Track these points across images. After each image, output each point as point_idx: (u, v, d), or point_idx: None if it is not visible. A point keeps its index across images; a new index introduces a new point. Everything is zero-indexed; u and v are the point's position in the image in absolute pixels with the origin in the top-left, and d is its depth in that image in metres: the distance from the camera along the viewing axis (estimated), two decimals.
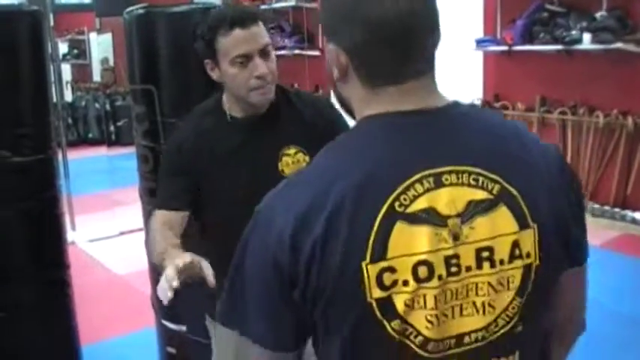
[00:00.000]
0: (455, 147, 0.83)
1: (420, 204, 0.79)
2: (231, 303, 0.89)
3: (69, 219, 4.94)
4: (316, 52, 7.53)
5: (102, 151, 9.54)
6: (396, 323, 0.80)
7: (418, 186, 0.80)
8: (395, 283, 0.79)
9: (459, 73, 6.58)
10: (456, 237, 0.80)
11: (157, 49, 2.04)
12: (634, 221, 5.10)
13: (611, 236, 4.86)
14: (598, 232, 4.95)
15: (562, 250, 0.89)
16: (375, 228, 0.78)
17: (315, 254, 0.79)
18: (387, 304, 0.79)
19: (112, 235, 5.29)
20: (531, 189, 0.84)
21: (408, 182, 0.80)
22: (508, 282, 0.83)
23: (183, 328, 2.18)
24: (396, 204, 0.79)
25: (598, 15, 5.01)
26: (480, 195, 0.82)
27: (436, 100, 0.88)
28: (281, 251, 0.80)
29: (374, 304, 0.79)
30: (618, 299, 3.66)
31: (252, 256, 0.85)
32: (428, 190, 0.80)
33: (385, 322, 0.80)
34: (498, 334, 0.84)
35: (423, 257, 0.79)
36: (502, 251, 0.82)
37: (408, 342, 0.81)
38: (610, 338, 3.22)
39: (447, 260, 0.80)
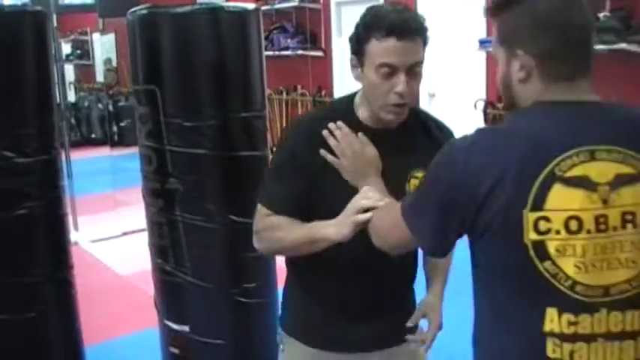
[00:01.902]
0: (607, 131, 1.04)
1: (576, 171, 0.99)
2: (413, 205, 1.14)
3: (72, 219, 4.95)
4: (319, 53, 7.53)
5: (105, 151, 9.55)
6: (548, 264, 0.99)
7: (575, 158, 1.00)
8: (549, 230, 0.99)
9: (463, 73, 6.58)
10: (604, 201, 0.99)
11: (161, 49, 2.03)
12: None
13: None
14: None
15: None
16: (537, 184, 0.99)
17: (488, 195, 1.00)
18: (540, 247, 0.99)
19: (115, 235, 5.30)
20: None
21: (567, 153, 1.00)
22: None
23: (186, 328, 2.18)
24: (556, 169, 0.99)
25: (601, 15, 5.00)
26: (627, 170, 1.01)
27: (592, 96, 1.10)
28: (463, 188, 1.03)
29: (529, 245, 0.99)
30: None
31: (439, 184, 1.08)
32: (583, 162, 1.00)
33: (537, 262, 0.99)
34: (639, 289, 1.01)
35: (574, 213, 0.99)
36: None
37: (556, 283, 0.99)
38: None
39: (597, 219, 0.99)
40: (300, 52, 7.42)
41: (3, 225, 2.23)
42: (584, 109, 1.07)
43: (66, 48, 11.76)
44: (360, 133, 1.38)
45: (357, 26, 1.39)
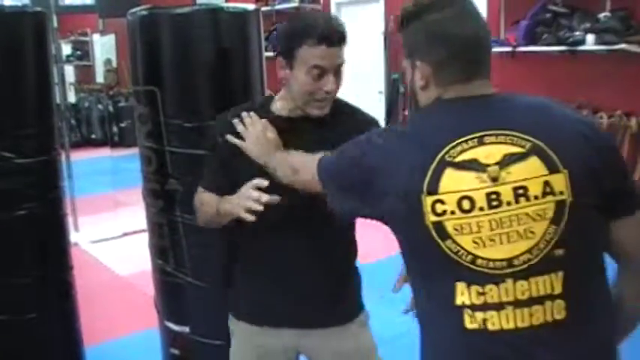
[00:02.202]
0: (495, 118, 1.13)
1: (465, 156, 1.08)
2: (327, 167, 1.29)
3: (72, 220, 4.95)
4: None
5: (105, 152, 9.55)
6: (449, 242, 1.08)
7: (464, 144, 1.09)
8: (445, 212, 1.08)
9: None
10: (494, 179, 1.07)
11: (160, 50, 2.03)
12: None
13: None
14: None
15: (597, 195, 1.11)
16: (430, 171, 1.08)
17: (380, 188, 1.13)
18: (440, 228, 1.08)
19: (115, 236, 5.30)
20: (560, 144, 1.09)
21: (457, 141, 1.09)
22: (544, 213, 1.07)
23: (187, 329, 2.18)
24: (446, 156, 1.08)
25: (602, 16, 5.00)
26: (514, 150, 1.08)
27: (487, 90, 1.19)
28: (359, 180, 1.18)
29: (430, 226, 1.08)
30: None
31: (345, 162, 1.25)
32: (472, 147, 1.09)
33: (440, 241, 1.08)
34: (541, 255, 1.07)
35: (465, 193, 1.07)
36: (535, 189, 1.07)
37: (459, 259, 1.08)
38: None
39: (488, 196, 1.07)
40: None
41: (3, 225, 2.23)
42: (476, 101, 1.16)
43: (66, 49, 11.76)
44: (264, 120, 1.57)
45: (287, 32, 1.56)
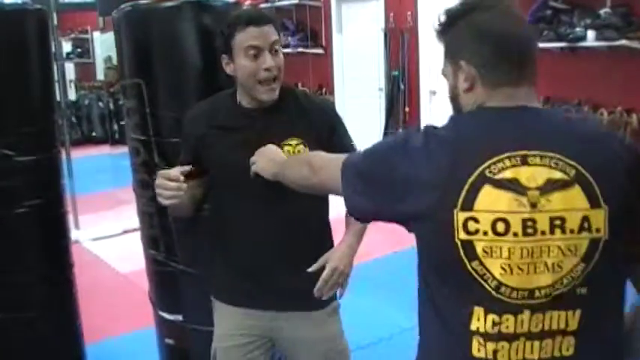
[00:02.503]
0: (541, 136, 1.06)
1: (506, 174, 1.02)
2: (353, 166, 1.21)
3: (72, 218, 4.95)
4: (320, 51, 7.53)
5: (105, 149, 9.55)
6: (475, 264, 1.02)
7: (507, 161, 1.03)
8: (477, 231, 1.02)
9: None
10: (533, 205, 1.01)
11: (147, 43, 2.05)
12: None
13: None
14: None
15: (633, 228, 1.06)
16: (468, 185, 1.02)
17: (412, 193, 1.07)
18: (469, 247, 1.02)
19: (116, 233, 5.30)
20: (603, 175, 1.03)
21: (499, 157, 1.03)
22: (576, 249, 1.02)
23: (180, 317, 2.19)
24: (487, 171, 1.03)
25: (602, 12, 4.99)
26: (558, 175, 1.02)
27: (533, 102, 1.13)
28: (392, 182, 1.11)
29: (459, 244, 1.03)
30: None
31: (376, 163, 1.17)
32: (514, 166, 1.03)
33: (466, 261, 1.03)
34: (563, 291, 1.03)
35: (501, 215, 1.01)
36: (573, 222, 1.02)
37: (484, 283, 1.03)
38: None
39: (524, 222, 1.01)
40: (300, 49, 7.42)
41: (3, 223, 2.23)
42: (520, 114, 1.10)
43: (66, 46, 11.76)
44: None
45: (221, 30, 1.66)
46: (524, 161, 1.03)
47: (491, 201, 1.02)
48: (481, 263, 1.03)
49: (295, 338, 1.76)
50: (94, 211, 5.66)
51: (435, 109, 7.01)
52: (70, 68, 11.64)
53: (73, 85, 11.80)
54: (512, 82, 1.11)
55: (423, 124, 6.16)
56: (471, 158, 1.04)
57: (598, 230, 1.02)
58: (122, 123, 9.89)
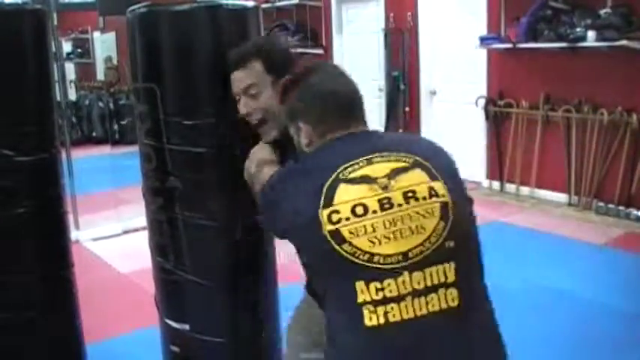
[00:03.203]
0: (379, 144, 1.33)
1: (357, 174, 1.25)
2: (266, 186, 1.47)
3: (73, 218, 4.96)
4: (320, 51, 7.53)
5: (106, 149, 9.55)
6: (345, 246, 1.20)
7: (356, 165, 1.27)
8: (340, 220, 1.21)
9: (464, 71, 6.57)
10: (384, 187, 1.23)
11: (160, 47, 2.03)
12: (639, 219, 5.08)
13: (616, 234, 4.85)
14: (603, 230, 4.94)
15: (464, 199, 1.32)
16: (325, 189, 1.24)
17: (292, 215, 1.29)
18: (336, 234, 1.21)
19: (116, 233, 5.31)
20: (434, 161, 1.31)
21: (349, 163, 1.27)
22: (432, 211, 1.23)
23: (187, 326, 2.18)
24: (340, 175, 1.25)
25: (602, 12, 5.00)
26: (400, 165, 1.27)
27: (364, 128, 1.40)
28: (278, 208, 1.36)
29: (327, 235, 1.21)
30: (623, 297, 3.65)
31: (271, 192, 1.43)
32: (362, 167, 1.26)
33: (337, 246, 1.20)
34: (433, 248, 1.20)
35: (358, 201, 1.22)
36: (422, 192, 1.24)
37: (356, 259, 1.19)
38: (615, 336, 3.21)
39: (380, 201, 1.22)
40: (300, 49, 7.42)
41: (3, 223, 2.23)
42: (359, 135, 1.37)
43: (66, 46, 11.76)
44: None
45: None
46: (370, 162, 1.27)
47: (347, 194, 1.23)
48: (350, 244, 1.19)
49: None
50: (94, 211, 5.66)
51: (435, 109, 7.01)
52: (70, 68, 11.64)
53: (73, 86, 11.80)
54: (342, 128, 1.36)
55: (423, 125, 6.18)
56: (324, 172, 1.27)
57: (443, 196, 1.25)
58: (122, 123, 9.90)
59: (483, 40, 5.96)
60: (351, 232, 1.20)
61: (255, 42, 1.75)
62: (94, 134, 10.38)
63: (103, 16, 10.70)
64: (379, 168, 1.25)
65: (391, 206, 1.21)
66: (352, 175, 1.24)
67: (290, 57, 1.75)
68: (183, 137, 2.02)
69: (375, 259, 1.18)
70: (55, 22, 5.39)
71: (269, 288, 2.26)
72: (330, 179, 1.25)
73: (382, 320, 1.16)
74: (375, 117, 7.14)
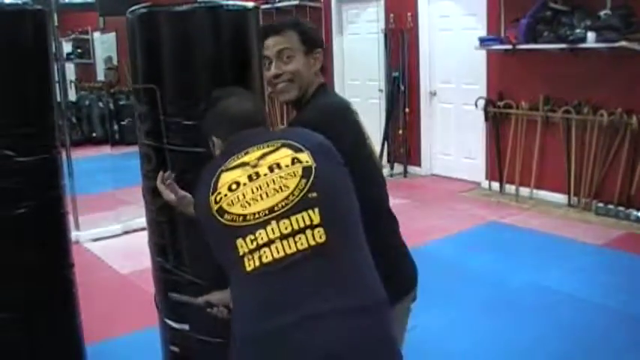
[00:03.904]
0: (257, 138, 1.56)
1: (234, 163, 1.50)
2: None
3: (73, 218, 4.96)
4: None
5: (106, 150, 9.55)
6: (226, 216, 1.42)
7: (235, 157, 1.52)
8: (220, 198, 1.45)
9: (463, 72, 6.57)
10: (254, 166, 1.46)
11: (160, 48, 2.03)
12: (638, 220, 5.08)
13: (616, 235, 4.85)
14: (602, 230, 4.94)
15: (334, 162, 1.52)
16: (213, 180, 1.50)
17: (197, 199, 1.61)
18: (220, 210, 1.44)
19: (116, 234, 5.31)
20: (302, 138, 1.53)
21: (230, 158, 1.52)
22: (294, 173, 1.43)
23: (186, 327, 2.18)
24: (223, 167, 1.51)
25: (602, 13, 5.00)
26: (269, 149, 1.50)
27: (261, 132, 1.64)
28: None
29: (215, 213, 1.44)
30: (622, 298, 3.65)
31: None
32: (240, 157, 1.51)
33: (220, 218, 1.42)
34: (297, 200, 1.38)
35: (233, 180, 1.46)
36: (285, 162, 1.45)
37: (234, 223, 1.40)
38: (615, 337, 3.21)
39: (249, 176, 1.45)
40: None
41: (3, 223, 2.23)
42: (243, 134, 1.61)
43: (67, 47, 11.75)
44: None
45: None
46: (246, 152, 1.51)
47: (226, 178, 1.47)
48: (229, 213, 1.41)
49: None
50: (94, 211, 5.66)
51: (435, 110, 7.01)
52: (70, 69, 11.64)
53: (73, 86, 11.80)
54: (237, 133, 1.63)
55: (423, 125, 6.18)
56: (216, 168, 1.52)
57: (307, 162, 1.44)
58: (122, 123, 9.90)
59: (483, 41, 5.97)
60: (228, 204, 1.42)
61: (291, 18, 1.91)
62: (94, 135, 10.39)
63: (103, 16, 10.70)
64: (253, 155, 1.49)
65: (258, 176, 1.44)
66: (231, 165, 1.50)
67: (320, 37, 1.93)
68: (183, 138, 2.03)
69: (248, 217, 1.38)
70: (56, 23, 5.39)
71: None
72: (217, 173, 1.50)
73: (257, 263, 1.33)
74: (375, 118, 7.15)
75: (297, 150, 1.47)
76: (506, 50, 5.76)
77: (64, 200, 2.50)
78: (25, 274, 2.30)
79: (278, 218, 1.36)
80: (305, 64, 1.78)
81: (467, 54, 6.30)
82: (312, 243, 1.34)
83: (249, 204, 1.40)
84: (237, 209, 1.40)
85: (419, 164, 7.18)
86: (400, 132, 7.15)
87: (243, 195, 1.41)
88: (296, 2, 7.59)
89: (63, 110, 5.55)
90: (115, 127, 10.05)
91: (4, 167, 2.19)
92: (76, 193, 5.21)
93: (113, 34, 11.24)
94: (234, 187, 1.44)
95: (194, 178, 2.04)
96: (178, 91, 2.04)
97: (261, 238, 1.35)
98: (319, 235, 1.35)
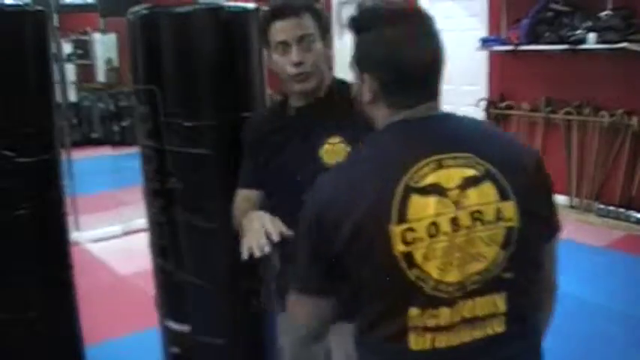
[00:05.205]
0: (449, 138, 1.15)
1: (428, 180, 1.09)
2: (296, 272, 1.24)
3: (73, 219, 4.95)
4: None
5: (106, 151, 9.55)
6: (415, 270, 1.07)
7: (425, 168, 1.09)
8: (414, 240, 1.07)
9: (464, 72, 6.57)
10: (455, 203, 1.09)
11: (161, 49, 2.03)
12: (639, 222, 5.08)
13: (617, 236, 4.84)
14: (603, 232, 4.94)
15: (538, 222, 1.18)
16: (397, 199, 1.07)
17: (345, 218, 1.09)
18: (408, 256, 1.07)
19: (116, 235, 5.30)
20: (509, 172, 1.13)
21: (418, 165, 1.09)
22: (495, 238, 1.11)
23: (187, 328, 2.18)
24: (410, 182, 1.08)
25: (603, 14, 5.00)
26: (471, 173, 1.11)
27: (434, 112, 1.19)
28: (324, 215, 1.13)
29: (398, 256, 1.07)
30: (623, 299, 3.65)
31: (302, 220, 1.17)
32: (433, 171, 1.09)
33: (406, 270, 1.07)
34: (490, 277, 1.11)
35: (432, 219, 1.07)
36: (489, 214, 1.11)
37: (423, 285, 1.08)
38: (616, 338, 3.21)
39: (451, 221, 1.08)
40: None
41: (3, 225, 2.23)
42: (430, 123, 1.17)
43: (67, 47, 11.75)
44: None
45: (259, 23, 1.65)
46: (440, 165, 1.10)
47: (421, 209, 1.08)
48: (420, 269, 1.08)
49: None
50: (94, 212, 5.65)
51: None
52: (70, 70, 11.63)
53: (73, 87, 11.79)
54: (414, 103, 1.16)
55: None
56: (391, 173, 1.10)
57: (510, 220, 1.11)
58: (123, 124, 9.90)
59: (484, 41, 5.96)
60: (423, 257, 1.07)
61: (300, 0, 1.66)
62: (94, 135, 10.38)
63: (104, 17, 10.71)
64: (450, 175, 1.09)
65: (458, 228, 1.09)
66: (423, 183, 1.08)
67: (329, 23, 1.75)
68: (184, 138, 2.02)
69: (440, 287, 1.08)
70: (56, 23, 5.39)
71: (268, 289, 2.26)
72: (401, 186, 1.08)
73: (428, 345, 1.10)
74: None
75: (503, 195, 1.11)
76: (507, 51, 5.76)
77: (64, 201, 2.49)
78: (25, 275, 2.29)
79: (465, 297, 1.10)
80: (322, 51, 1.62)
81: (468, 55, 6.29)
82: (490, 332, 1.12)
83: (446, 268, 1.08)
84: (432, 269, 1.08)
85: None
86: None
87: (443, 252, 1.08)
88: None
89: (63, 111, 5.55)
90: (116, 127, 10.05)
91: (4, 168, 2.18)
92: (77, 193, 5.21)
93: (114, 35, 11.24)
94: (433, 231, 1.08)
95: (194, 178, 2.04)
96: (179, 92, 2.03)
97: (444, 319, 1.10)
98: (499, 324, 1.13)
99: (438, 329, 1.10)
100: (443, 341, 1.10)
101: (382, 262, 1.08)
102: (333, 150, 1.59)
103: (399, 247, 1.06)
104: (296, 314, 1.26)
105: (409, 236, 1.07)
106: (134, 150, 2.35)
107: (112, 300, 3.96)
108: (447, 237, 1.08)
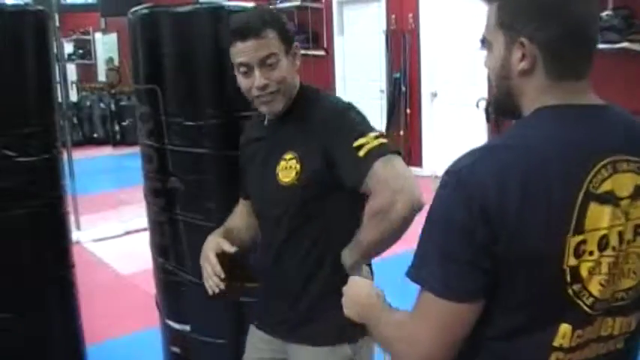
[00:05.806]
0: (620, 139, 0.98)
1: (605, 187, 0.93)
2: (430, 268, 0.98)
3: (74, 218, 4.95)
4: (321, 52, 7.53)
5: (107, 150, 9.57)
6: (577, 286, 0.94)
7: (603, 171, 0.93)
8: (584, 253, 0.93)
9: (464, 72, 6.58)
10: (625, 214, 0.95)
11: (161, 49, 2.03)
12: None
13: None
14: None
15: None
16: (577, 206, 0.91)
17: (511, 218, 0.90)
18: (575, 271, 0.93)
19: (117, 234, 5.31)
20: None
21: (596, 168, 0.93)
22: None
23: (187, 327, 2.18)
24: (590, 187, 0.92)
25: (604, 14, 4.99)
26: None
27: (596, 99, 1.02)
28: (475, 213, 0.91)
29: (567, 270, 0.92)
30: None
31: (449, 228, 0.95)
32: (610, 175, 0.94)
33: (569, 285, 0.93)
34: (635, 297, 0.99)
35: (605, 231, 0.94)
36: None
37: (580, 302, 0.95)
38: None
39: (619, 234, 0.95)
40: (302, 51, 7.42)
41: (4, 224, 2.23)
42: (596, 115, 1.00)
43: (68, 47, 11.78)
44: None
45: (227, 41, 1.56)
46: (615, 169, 0.94)
47: (597, 219, 0.93)
48: (581, 284, 0.94)
49: None
50: (95, 212, 5.66)
51: (436, 111, 7.01)
52: (71, 69, 11.67)
53: (74, 87, 11.82)
54: (577, 74, 0.99)
55: (424, 126, 6.15)
56: (571, 174, 0.92)
57: None
58: (124, 124, 9.91)
59: (484, 42, 5.96)
60: (589, 271, 0.93)
61: (263, 11, 1.58)
62: (95, 135, 10.40)
63: (105, 17, 10.74)
64: (624, 182, 0.94)
65: (622, 242, 0.95)
66: (601, 190, 0.93)
67: (292, 31, 1.66)
68: (185, 138, 2.03)
69: (596, 305, 0.95)
70: (57, 23, 5.40)
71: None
72: (582, 191, 0.92)
73: None
74: (376, 118, 7.15)
75: None
76: None
77: (65, 200, 2.50)
78: (26, 275, 2.30)
79: (605, 315, 0.98)
80: (288, 67, 1.53)
81: (468, 55, 6.29)
82: (612, 349, 1.02)
83: (607, 284, 0.95)
84: (593, 285, 0.94)
85: (420, 165, 7.18)
86: (401, 133, 7.14)
87: (608, 269, 0.94)
88: (297, 3, 7.59)
89: (64, 111, 5.56)
90: (117, 127, 10.06)
91: (4, 167, 2.19)
92: (77, 193, 5.22)
93: (115, 34, 11.27)
94: (602, 245, 0.94)
95: (195, 178, 2.04)
96: (180, 92, 2.04)
97: (584, 339, 0.98)
98: (621, 341, 1.03)
99: (577, 348, 0.98)
100: (575, 359, 0.99)
101: (546, 274, 0.93)
102: (287, 167, 1.51)
103: (571, 261, 0.92)
104: (435, 327, 0.97)
105: (581, 248, 0.92)
106: (135, 150, 2.35)
107: (113, 299, 3.96)
108: (614, 252, 0.95)
